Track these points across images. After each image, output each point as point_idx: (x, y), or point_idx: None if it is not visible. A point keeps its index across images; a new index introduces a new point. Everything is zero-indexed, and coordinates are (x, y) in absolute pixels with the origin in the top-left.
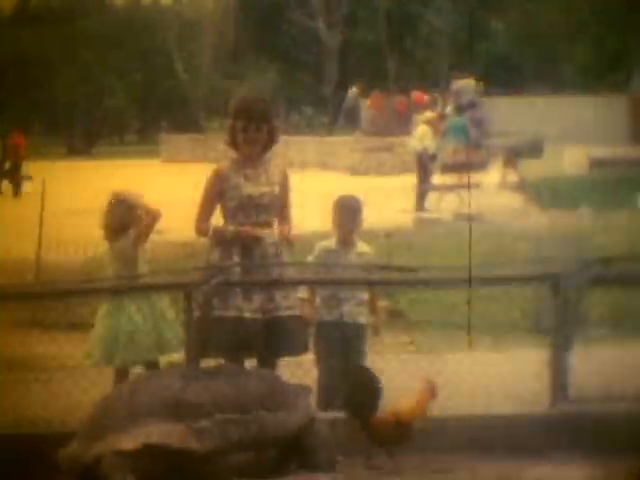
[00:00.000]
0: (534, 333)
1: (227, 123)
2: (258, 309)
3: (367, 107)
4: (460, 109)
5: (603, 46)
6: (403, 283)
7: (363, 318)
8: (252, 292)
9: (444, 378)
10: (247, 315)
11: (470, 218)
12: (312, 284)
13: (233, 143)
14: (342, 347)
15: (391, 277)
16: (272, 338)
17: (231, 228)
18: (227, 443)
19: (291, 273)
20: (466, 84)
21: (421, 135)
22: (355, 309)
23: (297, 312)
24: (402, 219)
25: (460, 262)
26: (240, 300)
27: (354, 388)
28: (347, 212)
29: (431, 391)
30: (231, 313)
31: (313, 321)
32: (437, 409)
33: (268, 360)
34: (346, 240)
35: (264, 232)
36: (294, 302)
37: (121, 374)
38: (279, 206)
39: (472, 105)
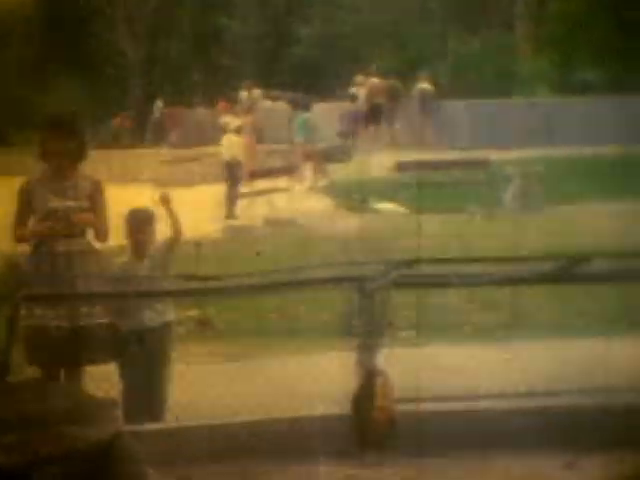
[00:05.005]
0: (344, 335)
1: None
2: (64, 317)
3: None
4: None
5: (404, 51)
6: (208, 292)
7: (166, 319)
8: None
9: (255, 385)
10: (52, 323)
11: (280, 223)
12: (116, 297)
13: (42, 155)
14: (146, 354)
15: (196, 286)
16: (79, 346)
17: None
18: (34, 458)
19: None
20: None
21: (229, 144)
22: (156, 313)
23: (105, 320)
24: (212, 228)
25: (270, 267)
26: (43, 309)
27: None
28: (137, 224)
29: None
30: (36, 322)
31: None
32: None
33: (74, 371)
34: (139, 252)
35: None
36: (100, 310)
37: None
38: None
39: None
